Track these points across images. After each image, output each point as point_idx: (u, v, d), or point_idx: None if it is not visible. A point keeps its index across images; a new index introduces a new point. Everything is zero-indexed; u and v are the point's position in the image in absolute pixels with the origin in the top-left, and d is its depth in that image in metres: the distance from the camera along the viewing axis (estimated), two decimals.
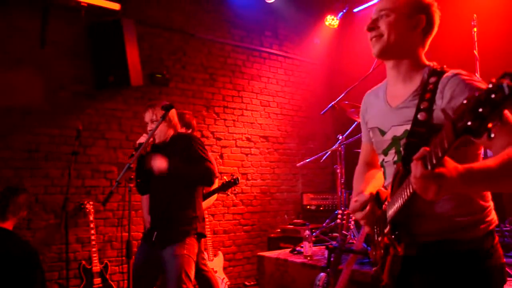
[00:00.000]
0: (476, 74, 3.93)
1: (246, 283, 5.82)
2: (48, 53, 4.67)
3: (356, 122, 4.85)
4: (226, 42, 6.04)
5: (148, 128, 3.28)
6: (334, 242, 4.18)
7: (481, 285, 1.51)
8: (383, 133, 1.70)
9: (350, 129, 4.87)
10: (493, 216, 1.58)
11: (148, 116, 3.35)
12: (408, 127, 1.54)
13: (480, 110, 0.95)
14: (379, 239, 1.64)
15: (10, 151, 4.42)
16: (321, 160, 5.33)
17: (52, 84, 4.67)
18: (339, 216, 3.53)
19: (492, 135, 0.98)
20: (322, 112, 4.80)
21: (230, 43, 6.08)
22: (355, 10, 6.37)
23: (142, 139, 3.23)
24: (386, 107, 1.70)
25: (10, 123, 4.43)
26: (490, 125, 0.96)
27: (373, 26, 1.64)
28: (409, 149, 1.46)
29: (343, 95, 4.62)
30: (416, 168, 1.20)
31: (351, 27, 6.43)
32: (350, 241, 4.08)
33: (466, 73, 1.50)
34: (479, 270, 1.51)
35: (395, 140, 1.63)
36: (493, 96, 0.93)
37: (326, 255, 3.79)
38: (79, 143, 4.45)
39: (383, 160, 1.72)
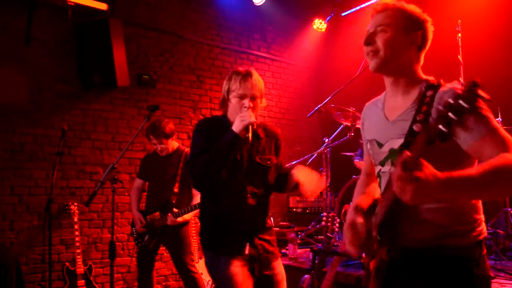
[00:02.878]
0: (460, 79, 3.99)
1: None
2: (33, 51, 4.62)
3: (342, 125, 4.89)
4: (214, 44, 6.04)
5: (246, 105, 2.44)
6: (319, 245, 4.19)
7: None
8: (380, 145, 1.72)
9: (336, 132, 4.90)
10: (483, 227, 1.60)
11: (252, 87, 2.48)
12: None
13: (450, 114, 1.07)
14: (369, 244, 1.66)
15: None
16: (308, 163, 5.35)
17: (36, 83, 4.63)
18: (324, 218, 3.53)
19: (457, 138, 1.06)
20: (309, 115, 4.84)
21: (218, 45, 6.08)
22: (343, 14, 6.41)
23: (248, 116, 2.38)
24: (383, 120, 1.72)
25: None
26: (456, 128, 1.08)
27: (369, 41, 1.65)
28: None
29: (329, 98, 4.66)
30: (396, 171, 1.23)
31: (338, 30, 6.47)
32: (335, 243, 4.10)
33: (461, 87, 1.52)
34: (466, 277, 1.53)
35: (392, 152, 1.66)
36: (460, 101, 1.06)
37: (311, 258, 3.80)
38: (64, 143, 4.42)
39: (380, 170, 1.74)
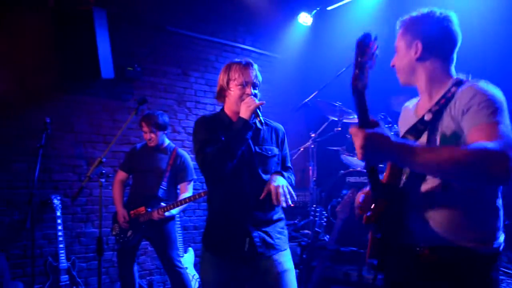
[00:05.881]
0: None
1: None
2: (12, 42, 4.48)
3: (329, 120, 4.89)
4: (199, 37, 5.96)
5: (249, 92, 2.43)
6: (306, 239, 4.20)
7: None
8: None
9: (323, 126, 4.90)
10: (501, 236, 1.61)
11: (254, 75, 2.49)
12: None
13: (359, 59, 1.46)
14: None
15: None
16: (293, 158, 5.35)
17: (17, 75, 4.48)
18: (312, 213, 3.55)
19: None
20: (296, 110, 4.82)
21: (202, 38, 6.00)
22: (329, 8, 6.39)
23: (253, 100, 2.39)
24: (413, 117, 1.82)
25: None
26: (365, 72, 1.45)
27: (392, 64, 1.85)
28: None
29: (316, 92, 4.65)
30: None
31: (324, 25, 6.46)
32: (322, 238, 4.11)
33: (482, 82, 1.60)
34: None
35: None
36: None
37: (298, 252, 3.82)
38: (46, 136, 4.31)
39: None
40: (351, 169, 4.70)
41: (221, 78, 2.52)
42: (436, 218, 1.59)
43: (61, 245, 4.32)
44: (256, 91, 2.49)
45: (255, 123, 2.44)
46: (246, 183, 2.40)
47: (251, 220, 2.38)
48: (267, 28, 6.71)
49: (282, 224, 2.51)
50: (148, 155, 4.10)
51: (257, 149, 2.47)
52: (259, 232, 2.38)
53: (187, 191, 4.07)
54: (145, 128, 4.03)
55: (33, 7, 4.60)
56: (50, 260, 4.31)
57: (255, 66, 2.51)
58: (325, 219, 3.63)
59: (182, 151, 4.22)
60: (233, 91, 2.46)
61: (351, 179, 4.54)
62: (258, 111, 2.40)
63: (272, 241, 2.40)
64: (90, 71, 4.66)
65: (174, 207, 3.89)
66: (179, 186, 4.11)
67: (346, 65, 4.86)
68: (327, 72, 4.92)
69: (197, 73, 5.92)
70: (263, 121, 2.44)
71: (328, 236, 3.77)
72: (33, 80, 4.60)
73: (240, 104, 2.41)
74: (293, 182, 2.57)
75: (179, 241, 4.30)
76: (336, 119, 4.75)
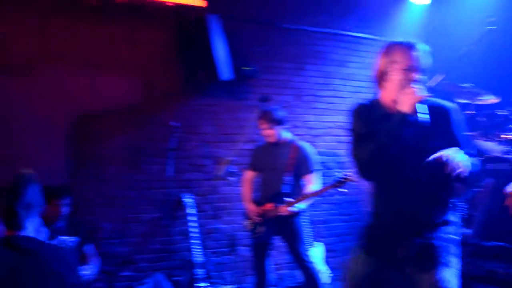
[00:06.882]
0: None
1: None
2: (138, 54, 4.86)
3: (458, 103, 4.53)
4: (311, 30, 5.89)
5: (415, 78, 2.14)
6: None
7: None
8: None
9: None
10: None
11: (421, 59, 2.19)
12: None
13: None
14: None
15: (114, 149, 4.72)
16: None
17: (147, 84, 4.88)
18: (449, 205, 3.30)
19: None
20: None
21: (315, 30, 5.92)
22: None
23: (417, 91, 2.07)
24: None
25: (112, 123, 4.74)
26: None
27: None
28: None
29: (443, 76, 4.32)
30: None
31: (442, 2, 5.99)
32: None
33: None
34: None
35: None
36: None
37: None
38: (176, 139, 4.60)
39: None
40: (487, 155, 4.31)
41: (381, 61, 2.23)
42: None
43: (195, 241, 4.58)
44: (423, 78, 2.17)
45: (415, 118, 2.05)
46: (402, 183, 2.14)
47: (408, 224, 2.14)
48: (379, 12, 6.37)
49: (450, 229, 2.16)
50: (270, 152, 4.16)
51: (416, 146, 2.11)
52: (417, 239, 2.11)
53: (313, 183, 4.05)
54: (263, 125, 4.10)
55: (156, 20, 4.94)
56: (185, 255, 4.59)
57: (421, 47, 2.19)
58: (464, 211, 3.36)
59: (302, 143, 4.21)
60: (395, 76, 2.16)
61: (489, 166, 4.15)
62: (421, 105, 2.04)
63: (431, 252, 2.11)
64: (209, 75, 4.87)
65: (299, 201, 3.90)
66: (304, 179, 4.10)
67: (472, 43, 4.46)
68: (449, 53, 4.55)
69: (312, 66, 5.86)
70: (427, 117, 2.05)
71: (469, 230, 3.48)
72: (161, 87, 4.97)
73: (401, 92, 2.10)
74: (475, 166, 2.06)
75: (308, 235, 4.30)
76: (466, 101, 4.38)
